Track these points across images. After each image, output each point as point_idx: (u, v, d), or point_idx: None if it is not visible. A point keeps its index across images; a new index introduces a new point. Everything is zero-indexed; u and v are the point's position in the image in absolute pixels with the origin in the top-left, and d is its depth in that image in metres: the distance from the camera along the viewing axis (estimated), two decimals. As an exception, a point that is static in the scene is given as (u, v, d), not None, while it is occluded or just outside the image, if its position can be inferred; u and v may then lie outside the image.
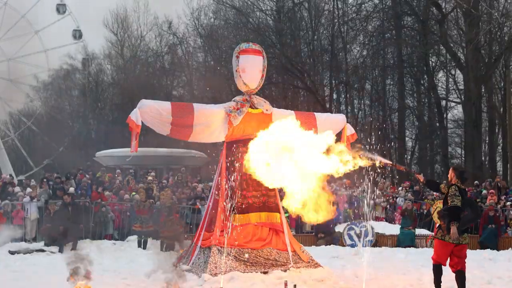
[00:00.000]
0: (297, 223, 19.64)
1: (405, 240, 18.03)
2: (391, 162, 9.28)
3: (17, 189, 20.06)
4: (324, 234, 18.68)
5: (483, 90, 31.95)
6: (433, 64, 35.69)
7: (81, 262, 8.51)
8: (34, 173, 34.31)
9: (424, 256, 14.22)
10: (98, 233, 18.65)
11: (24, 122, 39.92)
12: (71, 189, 19.28)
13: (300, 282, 9.67)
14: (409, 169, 8.67)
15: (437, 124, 34.60)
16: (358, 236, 18.22)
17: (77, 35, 38.97)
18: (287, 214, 11.96)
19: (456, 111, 37.20)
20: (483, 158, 33.34)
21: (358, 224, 18.43)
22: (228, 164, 10.88)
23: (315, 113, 12.59)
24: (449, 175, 9.07)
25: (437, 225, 9.04)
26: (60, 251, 15.91)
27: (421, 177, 9.59)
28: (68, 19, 38.67)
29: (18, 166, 38.28)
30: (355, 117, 34.86)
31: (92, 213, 18.77)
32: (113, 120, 39.55)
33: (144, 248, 17.10)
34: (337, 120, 12.43)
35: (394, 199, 21.38)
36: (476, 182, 23.36)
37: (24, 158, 38.61)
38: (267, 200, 10.91)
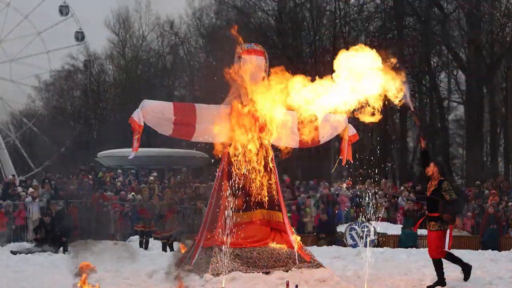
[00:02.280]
0: (298, 223, 19.62)
1: (407, 241, 18.01)
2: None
3: (19, 189, 20.09)
4: (325, 234, 18.67)
5: (485, 90, 31.93)
6: (435, 64, 35.67)
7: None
8: (36, 174, 34.31)
9: (426, 257, 14.12)
10: (100, 234, 18.64)
11: (26, 123, 39.96)
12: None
13: (302, 282, 9.67)
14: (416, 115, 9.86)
15: (439, 124, 34.57)
16: (360, 237, 18.19)
17: (80, 37, 38.98)
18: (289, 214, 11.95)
19: (458, 112, 37.23)
20: (484, 159, 33.33)
21: (359, 225, 18.41)
22: (230, 163, 10.85)
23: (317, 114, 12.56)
24: (430, 169, 9.88)
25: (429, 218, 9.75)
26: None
27: (423, 143, 10.83)
28: (70, 20, 38.73)
29: (19, 167, 38.28)
30: (356, 118, 34.79)
31: (94, 213, 18.80)
32: (115, 121, 39.56)
33: (146, 248, 17.11)
34: (339, 121, 12.38)
35: (396, 199, 21.35)
36: (477, 182, 23.31)
37: (25, 159, 38.62)
38: (272, 198, 10.88)
